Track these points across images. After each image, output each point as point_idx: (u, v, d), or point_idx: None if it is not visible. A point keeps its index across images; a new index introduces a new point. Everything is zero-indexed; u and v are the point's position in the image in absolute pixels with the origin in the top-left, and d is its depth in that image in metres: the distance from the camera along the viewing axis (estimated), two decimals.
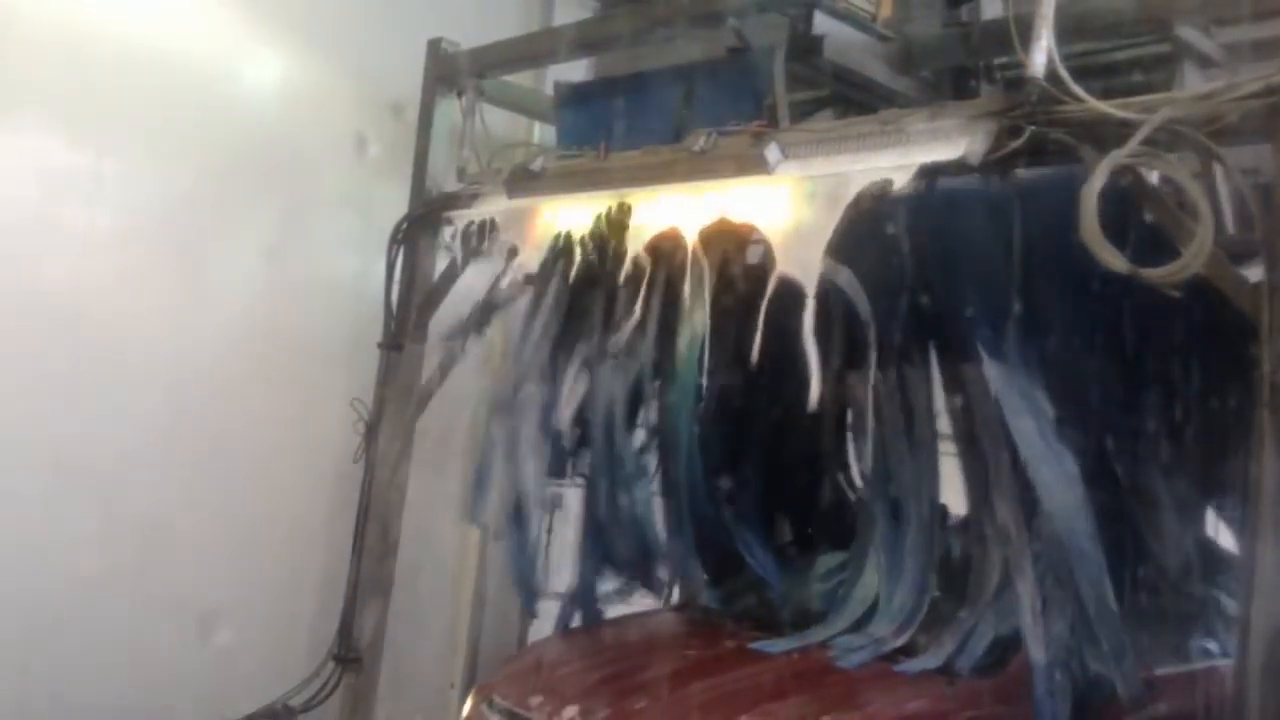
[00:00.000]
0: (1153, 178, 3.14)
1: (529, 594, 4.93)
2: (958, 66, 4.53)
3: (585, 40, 5.15)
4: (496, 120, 5.67)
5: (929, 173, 3.50)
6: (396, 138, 5.74)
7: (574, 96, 5.11)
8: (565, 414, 4.53)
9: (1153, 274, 3.03)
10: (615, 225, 4.36)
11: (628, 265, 4.30)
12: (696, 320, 4.20)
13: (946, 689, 3.79)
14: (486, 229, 5.06)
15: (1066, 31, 3.31)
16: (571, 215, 4.69)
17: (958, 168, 3.43)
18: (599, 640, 4.52)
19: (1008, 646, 3.90)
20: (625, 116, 4.65)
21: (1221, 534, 4.55)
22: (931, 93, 4.40)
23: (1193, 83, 3.66)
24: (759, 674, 3.89)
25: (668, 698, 3.75)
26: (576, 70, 6.09)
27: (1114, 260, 3.04)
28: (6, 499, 4.61)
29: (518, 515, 4.60)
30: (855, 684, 3.82)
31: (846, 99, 4.60)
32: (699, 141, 4.14)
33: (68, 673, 4.76)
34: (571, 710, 3.81)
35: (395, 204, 5.55)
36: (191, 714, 4.93)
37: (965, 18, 4.42)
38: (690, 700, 3.70)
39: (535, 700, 3.94)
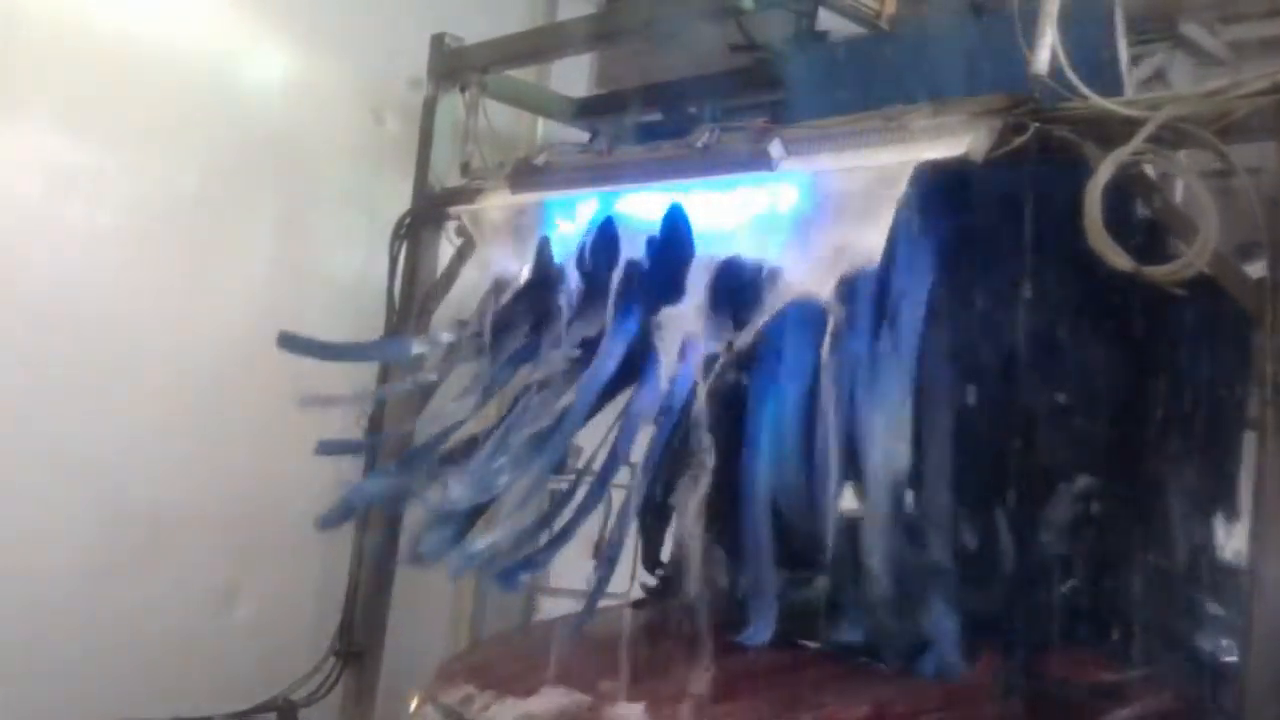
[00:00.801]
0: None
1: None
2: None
3: (589, 36, 5.16)
4: (500, 115, 5.67)
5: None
6: (400, 133, 5.75)
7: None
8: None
9: (1156, 272, 3.03)
10: None
11: None
12: None
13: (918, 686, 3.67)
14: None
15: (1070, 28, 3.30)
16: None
17: (961, 165, 3.43)
18: (549, 637, 4.35)
19: (975, 646, 3.78)
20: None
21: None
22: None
23: (1182, 78, 3.65)
24: (713, 673, 3.68)
25: (617, 696, 3.60)
26: (580, 66, 6.10)
27: (1118, 258, 3.03)
28: (7, 492, 4.62)
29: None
30: (812, 684, 3.70)
31: None
32: (702, 137, 4.13)
33: (69, 665, 4.77)
34: (517, 709, 3.68)
35: (398, 199, 5.55)
36: (191, 707, 4.94)
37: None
38: (640, 698, 3.56)
39: (480, 698, 3.80)
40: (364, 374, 5.52)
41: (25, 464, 4.69)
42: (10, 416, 4.65)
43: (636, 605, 4.85)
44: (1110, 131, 3.13)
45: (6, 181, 4.70)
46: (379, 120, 5.87)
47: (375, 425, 5.42)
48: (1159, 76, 3.67)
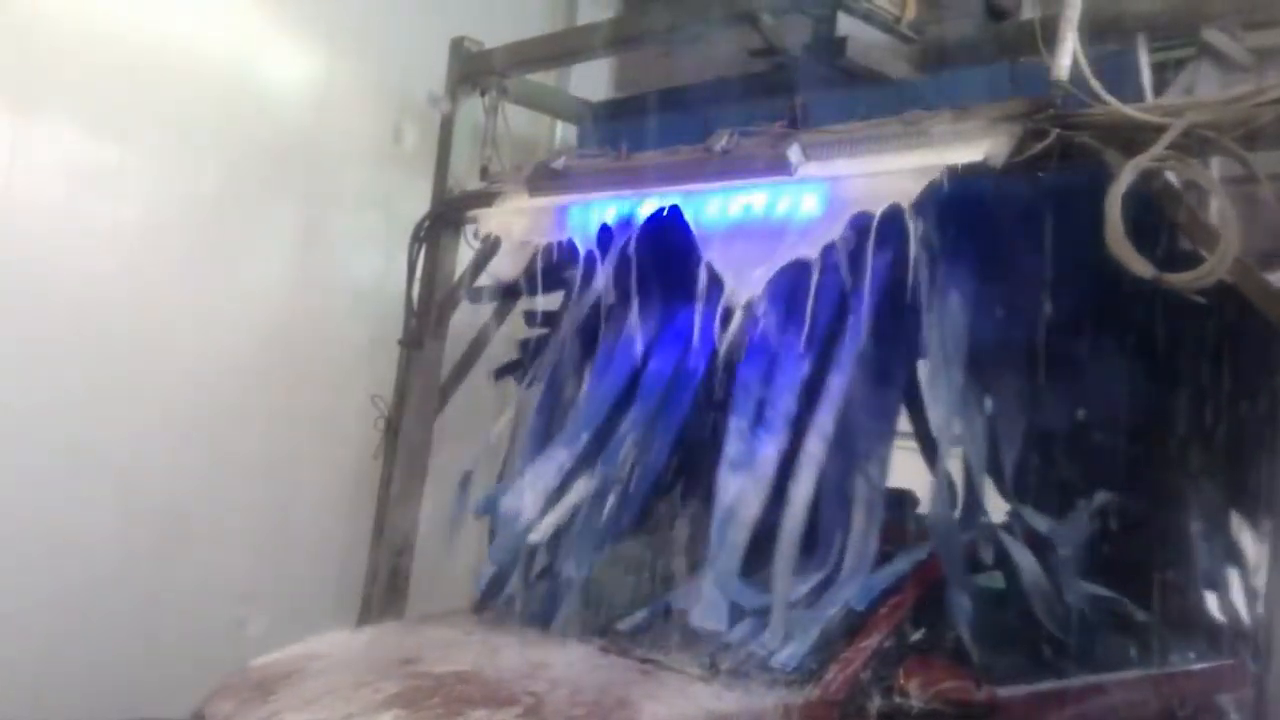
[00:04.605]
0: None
1: None
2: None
3: (609, 40, 5.17)
4: (518, 119, 5.69)
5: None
6: (419, 136, 5.77)
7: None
8: None
9: (1176, 279, 3.02)
10: None
11: None
12: None
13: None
14: None
15: (1091, 34, 3.30)
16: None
17: (981, 170, 3.43)
18: (343, 649, 4.09)
19: (829, 651, 3.57)
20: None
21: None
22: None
23: (1207, 83, 3.64)
24: (514, 681, 3.46)
25: (384, 708, 3.29)
26: (599, 71, 6.12)
27: (1139, 265, 3.03)
28: (27, 488, 4.67)
29: None
30: (633, 693, 3.39)
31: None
32: (721, 141, 4.14)
33: (86, 660, 4.80)
34: None
35: (417, 202, 5.57)
36: None
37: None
38: (424, 712, 3.25)
39: (239, 716, 3.51)
40: (385, 374, 5.56)
41: (46, 460, 4.72)
42: (32, 413, 4.69)
43: (480, 610, 4.48)
44: (1131, 138, 3.13)
45: (31, 181, 4.74)
46: (399, 122, 5.88)
47: (393, 420, 5.46)
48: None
